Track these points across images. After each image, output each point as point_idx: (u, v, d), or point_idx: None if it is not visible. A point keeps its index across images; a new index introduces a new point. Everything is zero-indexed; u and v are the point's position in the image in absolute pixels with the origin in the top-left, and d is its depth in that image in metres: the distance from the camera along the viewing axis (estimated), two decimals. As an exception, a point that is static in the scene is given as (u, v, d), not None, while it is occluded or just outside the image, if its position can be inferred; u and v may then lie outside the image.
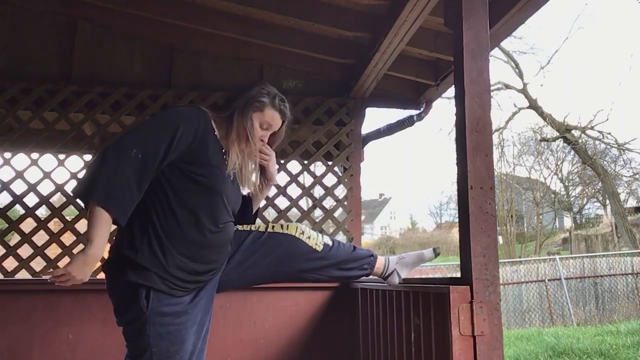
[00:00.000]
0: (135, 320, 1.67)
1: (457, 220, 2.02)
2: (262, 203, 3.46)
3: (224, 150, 1.84)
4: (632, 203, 22.66)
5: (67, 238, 3.28)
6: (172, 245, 1.69)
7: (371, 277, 2.21)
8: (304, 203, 3.66)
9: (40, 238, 3.25)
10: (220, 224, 1.80)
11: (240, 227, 2.01)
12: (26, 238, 3.24)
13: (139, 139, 1.66)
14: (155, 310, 1.65)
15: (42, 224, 3.26)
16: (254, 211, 2.12)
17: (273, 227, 2.02)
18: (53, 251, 3.24)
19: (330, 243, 2.06)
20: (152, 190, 1.70)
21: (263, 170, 2.04)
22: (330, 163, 3.61)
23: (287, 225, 2.04)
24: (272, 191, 3.52)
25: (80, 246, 3.31)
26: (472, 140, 1.89)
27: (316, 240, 2.02)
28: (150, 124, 1.75)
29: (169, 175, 1.72)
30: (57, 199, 3.74)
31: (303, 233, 2.01)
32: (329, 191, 3.54)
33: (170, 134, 1.68)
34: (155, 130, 1.70)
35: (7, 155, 3.32)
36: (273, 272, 2.02)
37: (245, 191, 2.03)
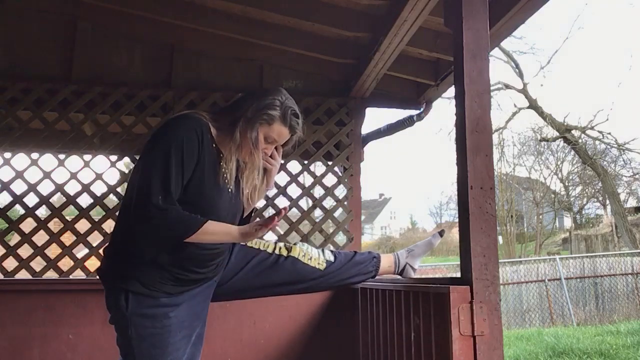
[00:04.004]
0: (118, 321, 1.72)
1: (457, 220, 2.02)
2: (262, 203, 3.48)
3: (222, 155, 1.75)
4: (632, 203, 22.67)
5: (67, 238, 3.28)
6: (153, 253, 1.70)
7: (383, 276, 2.23)
8: (304, 203, 3.66)
9: (40, 238, 3.25)
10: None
11: (249, 244, 2.02)
12: (26, 238, 3.24)
13: (155, 184, 1.61)
14: (135, 312, 1.68)
15: (42, 224, 3.26)
16: (246, 215, 2.01)
17: (280, 248, 2.06)
18: (53, 251, 3.24)
19: (332, 259, 2.10)
20: None
21: (264, 176, 1.95)
22: (330, 163, 3.61)
23: (291, 247, 2.07)
24: (272, 191, 3.52)
25: (81, 246, 3.33)
26: (472, 140, 1.89)
27: (318, 260, 2.08)
28: (155, 162, 1.64)
29: None
30: (57, 199, 3.73)
31: (305, 255, 2.06)
32: (329, 191, 3.54)
33: (177, 167, 1.62)
34: (162, 167, 1.62)
35: (7, 155, 3.32)
36: (276, 292, 2.10)
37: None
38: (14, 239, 3.39)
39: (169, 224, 1.60)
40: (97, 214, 3.38)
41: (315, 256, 2.07)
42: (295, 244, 2.13)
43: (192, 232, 1.62)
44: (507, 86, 17.79)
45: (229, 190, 1.78)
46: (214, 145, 1.74)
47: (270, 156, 1.88)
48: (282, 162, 1.96)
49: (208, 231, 1.64)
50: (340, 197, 3.59)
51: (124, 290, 1.68)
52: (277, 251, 2.05)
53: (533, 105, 17.85)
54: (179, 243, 1.67)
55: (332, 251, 2.14)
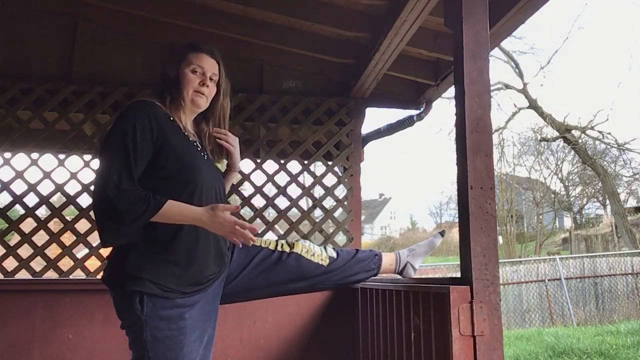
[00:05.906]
0: (132, 325, 1.69)
1: (457, 220, 2.02)
2: (262, 203, 3.48)
3: (183, 127, 1.82)
4: (632, 203, 22.68)
5: (67, 238, 3.28)
6: (161, 248, 1.69)
7: (382, 275, 2.23)
8: (304, 203, 3.66)
9: (40, 238, 3.25)
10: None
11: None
12: (26, 238, 3.24)
13: (113, 167, 1.63)
14: (152, 315, 1.65)
15: (42, 224, 3.26)
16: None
17: (282, 245, 2.07)
18: (53, 251, 3.24)
19: (335, 255, 2.10)
20: None
21: (226, 155, 1.99)
22: (330, 163, 3.61)
23: (293, 244, 2.08)
24: (272, 191, 3.52)
25: (81, 246, 3.33)
26: (472, 140, 1.89)
27: (321, 256, 2.08)
28: (111, 147, 1.69)
29: (143, 181, 1.68)
30: (57, 199, 3.73)
31: (307, 251, 2.06)
32: (329, 191, 3.55)
33: (130, 141, 1.65)
34: (118, 151, 1.65)
35: (7, 155, 3.31)
36: (281, 290, 2.09)
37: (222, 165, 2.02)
38: (14, 239, 3.39)
39: (127, 205, 1.60)
40: (97, 214, 3.37)
41: (318, 252, 2.07)
42: (297, 240, 2.13)
43: (151, 213, 1.62)
44: (507, 86, 17.80)
45: (204, 156, 1.85)
46: (171, 119, 1.79)
47: (223, 133, 1.93)
48: (237, 138, 2.00)
49: (171, 210, 1.64)
50: (340, 197, 3.59)
51: (138, 292, 1.65)
52: (279, 248, 2.05)
53: (533, 105, 17.86)
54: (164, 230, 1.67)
55: (334, 248, 2.14)
